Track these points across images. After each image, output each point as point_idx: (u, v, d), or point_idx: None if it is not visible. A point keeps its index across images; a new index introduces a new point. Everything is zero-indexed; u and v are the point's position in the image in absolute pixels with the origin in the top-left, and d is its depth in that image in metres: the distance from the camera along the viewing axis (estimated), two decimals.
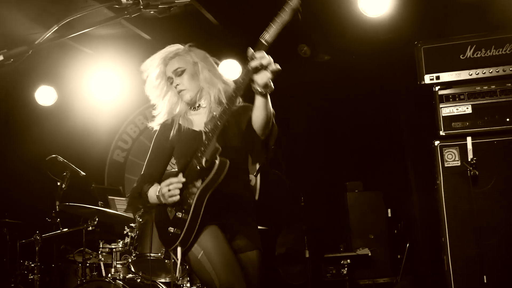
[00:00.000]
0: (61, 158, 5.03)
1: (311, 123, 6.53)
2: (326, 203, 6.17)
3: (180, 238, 2.76)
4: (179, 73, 3.03)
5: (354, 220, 5.83)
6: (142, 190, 3.01)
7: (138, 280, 4.47)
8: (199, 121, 2.98)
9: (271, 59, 2.56)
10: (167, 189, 2.78)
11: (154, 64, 3.15)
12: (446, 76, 4.40)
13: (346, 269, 5.29)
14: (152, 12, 2.31)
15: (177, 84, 3.02)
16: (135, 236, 4.42)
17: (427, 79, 4.42)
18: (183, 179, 2.78)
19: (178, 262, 2.83)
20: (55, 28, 1.96)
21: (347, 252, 5.57)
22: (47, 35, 1.97)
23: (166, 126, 3.07)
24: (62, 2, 5.62)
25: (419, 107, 5.10)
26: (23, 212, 5.88)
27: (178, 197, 2.77)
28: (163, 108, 3.12)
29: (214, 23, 6.10)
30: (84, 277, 4.70)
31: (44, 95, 7.06)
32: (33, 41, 2.02)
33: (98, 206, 4.94)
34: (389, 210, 5.83)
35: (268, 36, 2.57)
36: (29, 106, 7.04)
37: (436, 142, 4.32)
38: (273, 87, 2.59)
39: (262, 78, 2.54)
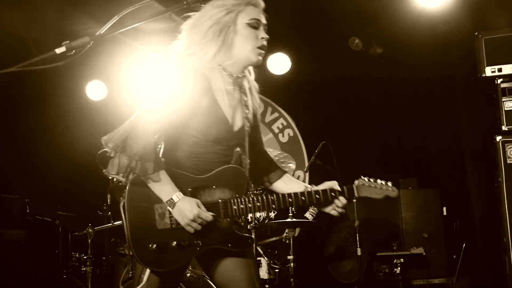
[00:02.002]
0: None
1: (364, 118, 6.39)
2: (379, 200, 6.00)
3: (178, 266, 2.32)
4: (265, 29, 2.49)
5: (408, 218, 5.66)
6: (145, 164, 2.28)
7: (188, 275, 4.46)
8: (231, 108, 2.41)
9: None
10: (194, 219, 2.22)
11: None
12: (508, 69, 4.21)
13: (399, 268, 5.14)
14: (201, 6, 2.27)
15: (263, 37, 2.45)
16: None
17: (489, 71, 4.23)
18: (210, 218, 2.26)
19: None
20: (116, 18, 1.94)
21: (400, 251, 5.42)
22: (108, 26, 1.94)
23: (203, 78, 2.37)
24: None
25: (479, 101, 4.90)
26: (75, 205, 5.99)
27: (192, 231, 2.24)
28: (211, 50, 2.41)
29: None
30: (133, 270, 4.73)
31: (95, 90, 7.17)
32: (92, 34, 2.00)
33: None
34: (444, 208, 5.63)
35: (361, 192, 2.45)
36: (80, 101, 7.16)
37: (498, 138, 4.14)
38: None
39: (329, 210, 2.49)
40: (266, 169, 2.59)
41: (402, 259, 5.17)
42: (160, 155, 2.38)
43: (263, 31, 2.47)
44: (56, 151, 6.62)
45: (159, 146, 2.43)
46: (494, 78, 4.23)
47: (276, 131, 7.06)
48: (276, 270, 4.88)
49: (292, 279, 4.66)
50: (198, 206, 2.22)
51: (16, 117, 6.47)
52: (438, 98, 5.92)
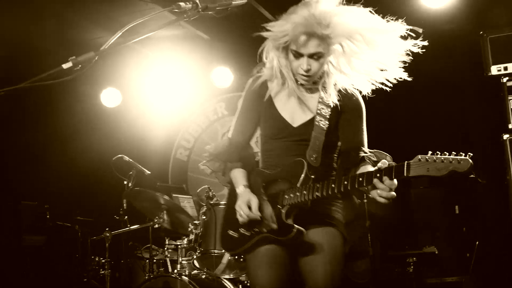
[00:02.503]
0: (126, 158, 5.18)
1: (372, 118, 6.41)
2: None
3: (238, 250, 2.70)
4: (316, 58, 2.56)
5: (420, 217, 5.69)
6: (226, 167, 2.78)
7: (203, 276, 4.55)
8: (298, 108, 2.67)
9: (392, 195, 2.31)
10: (240, 210, 2.61)
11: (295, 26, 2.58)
12: None
13: (412, 267, 5.17)
14: (210, 13, 2.34)
15: (309, 69, 2.57)
16: (199, 233, 4.50)
17: (494, 70, 4.26)
18: (257, 217, 2.57)
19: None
20: (119, 34, 2.03)
21: (413, 250, 5.45)
22: (112, 41, 2.04)
23: (262, 89, 2.72)
24: (124, 7, 5.82)
25: (485, 100, 4.92)
26: (93, 210, 6.14)
27: (245, 221, 2.61)
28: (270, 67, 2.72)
29: (272, 20, 6.11)
30: (151, 273, 4.84)
31: (110, 97, 7.34)
32: (99, 47, 2.10)
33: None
34: (456, 207, 5.65)
35: (413, 171, 2.24)
36: (95, 108, 7.33)
37: (505, 136, 4.17)
38: None
39: (374, 196, 2.36)
40: (344, 162, 2.71)
41: (414, 258, 5.20)
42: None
43: (306, 62, 2.55)
44: (73, 158, 6.79)
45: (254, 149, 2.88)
46: (499, 76, 4.26)
47: None
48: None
49: None
50: (248, 202, 2.58)
51: (33, 125, 6.65)
52: (445, 97, 5.93)
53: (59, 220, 5.84)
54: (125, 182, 5.19)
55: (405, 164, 2.26)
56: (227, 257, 4.34)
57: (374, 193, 2.35)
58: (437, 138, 6.03)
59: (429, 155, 2.22)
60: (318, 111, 2.62)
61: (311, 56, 2.54)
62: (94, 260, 5.40)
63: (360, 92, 2.73)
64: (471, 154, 2.14)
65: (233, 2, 2.29)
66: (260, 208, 2.59)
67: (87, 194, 6.70)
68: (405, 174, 2.25)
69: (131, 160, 5.21)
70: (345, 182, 2.40)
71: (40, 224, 5.79)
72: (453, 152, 2.17)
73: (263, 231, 2.57)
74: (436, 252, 5.40)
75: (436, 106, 6.04)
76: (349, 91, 2.68)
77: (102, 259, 5.23)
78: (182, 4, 2.12)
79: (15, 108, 5.90)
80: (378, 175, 2.30)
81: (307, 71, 2.56)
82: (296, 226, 2.51)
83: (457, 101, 5.73)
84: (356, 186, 2.37)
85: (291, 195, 2.52)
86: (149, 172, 5.28)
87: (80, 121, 7.17)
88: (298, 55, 2.56)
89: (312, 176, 2.52)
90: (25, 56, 6.33)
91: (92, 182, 6.76)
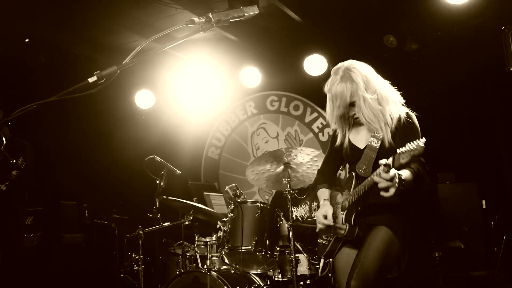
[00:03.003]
0: (158, 158, 5.37)
1: None
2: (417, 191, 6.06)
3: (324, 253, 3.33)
4: (355, 104, 3.16)
5: (447, 212, 5.70)
6: (316, 186, 3.48)
7: (232, 272, 4.70)
8: (362, 137, 3.27)
9: (389, 184, 2.76)
10: (317, 219, 3.26)
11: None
12: None
13: (438, 261, 5.20)
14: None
15: (354, 113, 3.19)
16: (227, 230, 4.66)
17: None
18: (329, 223, 3.16)
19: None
20: (139, 48, 2.19)
21: (439, 244, 5.47)
22: (132, 55, 2.20)
23: (339, 135, 3.36)
24: (156, 13, 6.04)
25: (508, 95, 4.90)
26: (129, 209, 6.36)
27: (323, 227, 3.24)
28: (332, 119, 3.32)
29: (297, 20, 6.22)
30: (183, 269, 5.02)
31: (143, 99, 7.56)
32: (132, 50, 2.25)
33: (193, 202, 5.22)
34: (483, 202, 5.64)
35: (396, 161, 2.71)
36: (129, 109, 7.57)
37: None
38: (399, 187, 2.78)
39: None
40: None
41: (440, 253, 5.23)
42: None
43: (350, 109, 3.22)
44: (109, 158, 7.05)
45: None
46: None
47: (316, 130, 7.24)
48: (317, 266, 5.04)
49: (330, 274, 4.82)
50: (325, 212, 3.21)
51: (72, 128, 6.92)
52: (473, 92, 5.91)
53: (97, 218, 5.99)
54: (157, 182, 5.37)
55: (392, 157, 2.75)
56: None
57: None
58: (467, 133, 6.03)
59: (401, 148, 2.70)
60: (372, 134, 3.18)
61: (352, 104, 3.18)
62: (130, 257, 5.62)
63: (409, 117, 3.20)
64: (424, 140, 2.63)
65: (245, 14, 2.42)
66: (335, 216, 3.23)
67: (123, 193, 6.94)
68: (393, 165, 2.73)
69: (162, 160, 5.39)
70: (367, 182, 2.96)
71: (79, 223, 6.00)
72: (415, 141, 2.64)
73: (335, 234, 3.21)
74: (463, 247, 5.41)
75: (467, 100, 6.03)
76: (401, 115, 3.18)
77: (136, 256, 5.42)
78: (196, 19, 2.26)
79: (53, 112, 6.17)
80: (382, 168, 2.77)
81: (353, 115, 3.21)
82: (348, 224, 3.12)
83: (485, 96, 5.72)
84: (370, 184, 2.93)
85: (347, 201, 3.18)
86: (180, 172, 5.45)
87: (116, 123, 7.43)
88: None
89: (359, 184, 3.08)
90: (64, 62, 6.63)
91: (127, 182, 6.99)
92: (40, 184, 5.72)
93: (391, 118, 3.16)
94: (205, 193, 6.22)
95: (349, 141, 3.32)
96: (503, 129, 5.44)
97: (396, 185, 2.74)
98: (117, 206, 6.26)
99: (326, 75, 7.11)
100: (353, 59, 6.61)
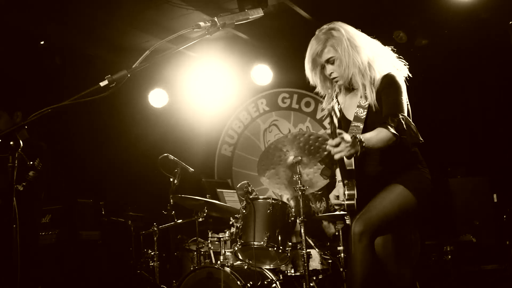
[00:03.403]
0: (171, 157, 5.46)
1: (412, 109, 6.45)
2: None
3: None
4: (331, 62, 3.08)
5: (458, 206, 5.71)
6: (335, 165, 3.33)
7: (245, 267, 4.78)
8: (351, 105, 3.15)
9: (342, 147, 2.67)
10: (332, 203, 3.27)
11: (308, 58, 3.19)
12: None
13: (449, 255, 5.23)
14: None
15: (331, 72, 3.10)
16: (240, 226, 4.74)
17: None
18: (342, 203, 3.12)
19: None
20: (147, 53, 2.27)
21: (450, 238, 5.49)
22: (141, 59, 2.29)
23: (334, 108, 3.26)
24: (167, 13, 6.13)
25: None
26: (144, 206, 6.46)
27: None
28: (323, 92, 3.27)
29: (307, 18, 6.28)
30: (198, 264, 5.12)
31: (157, 98, 7.67)
32: (145, 50, 2.34)
33: (207, 199, 5.30)
34: (494, 196, 5.64)
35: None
36: (143, 108, 7.68)
37: None
38: (361, 147, 2.72)
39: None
40: None
41: (452, 247, 5.25)
42: None
43: (327, 68, 3.12)
44: (123, 157, 7.16)
45: None
46: None
47: (328, 126, 7.29)
48: (329, 261, 5.11)
49: (342, 269, 4.88)
50: (337, 194, 3.22)
51: (86, 127, 7.04)
52: (483, 86, 5.92)
53: (113, 216, 6.13)
54: (171, 179, 5.46)
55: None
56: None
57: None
58: (478, 126, 6.04)
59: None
60: (358, 103, 3.05)
61: (327, 62, 3.08)
62: (146, 253, 5.73)
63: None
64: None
65: (250, 17, 2.50)
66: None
67: (138, 190, 7.05)
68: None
69: (175, 158, 5.48)
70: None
71: (95, 220, 6.11)
72: None
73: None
74: (474, 241, 5.43)
75: (474, 95, 6.03)
76: (382, 78, 3.04)
77: (152, 252, 5.53)
78: (202, 23, 2.35)
79: (69, 112, 6.29)
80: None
81: (330, 74, 3.10)
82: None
83: (490, 90, 5.72)
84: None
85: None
86: (193, 170, 5.54)
87: (130, 122, 7.54)
88: (323, 67, 3.12)
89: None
90: (79, 63, 6.76)
91: (142, 180, 7.10)
92: (57, 183, 5.85)
93: (377, 77, 3.03)
94: (218, 190, 6.31)
95: (341, 111, 3.19)
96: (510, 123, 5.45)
97: (355, 145, 2.67)
98: (132, 204, 6.36)
99: None
100: None
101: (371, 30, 6.33)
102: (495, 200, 5.66)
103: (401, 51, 6.20)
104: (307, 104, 7.42)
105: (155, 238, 5.42)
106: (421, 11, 6.07)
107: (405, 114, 2.99)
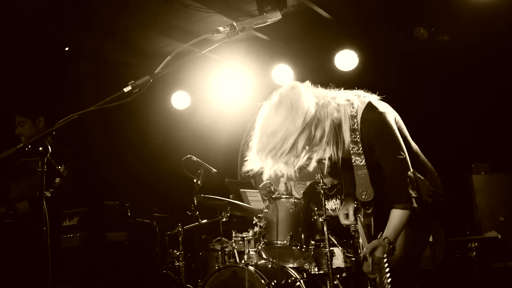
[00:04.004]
0: (194, 158, 5.54)
1: (434, 106, 6.44)
2: (450, 186, 6.06)
3: None
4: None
5: (482, 203, 5.68)
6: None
7: (269, 266, 4.83)
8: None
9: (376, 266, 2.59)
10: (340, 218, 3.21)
11: None
12: None
13: (474, 252, 5.21)
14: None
15: (310, 155, 2.86)
16: (263, 225, 4.79)
17: None
18: (350, 223, 3.11)
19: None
20: (169, 58, 2.34)
21: (474, 235, 5.47)
22: (163, 65, 2.36)
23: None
24: (187, 16, 6.21)
25: None
26: (169, 207, 6.55)
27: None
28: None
29: (327, 17, 6.29)
30: (222, 264, 5.18)
31: (179, 100, 7.76)
32: (167, 54, 2.40)
33: (230, 199, 5.37)
34: None
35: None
36: (166, 110, 7.78)
37: None
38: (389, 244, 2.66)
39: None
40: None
41: (476, 243, 5.23)
42: None
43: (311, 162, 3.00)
44: (148, 159, 7.27)
45: None
46: None
47: None
48: (353, 259, 5.12)
49: None
50: (346, 212, 3.16)
51: (111, 131, 7.16)
52: (506, 82, 5.87)
53: (138, 217, 6.23)
54: (195, 180, 5.54)
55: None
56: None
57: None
58: (502, 123, 5.99)
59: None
60: (352, 152, 2.81)
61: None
62: (171, 253, 5.82)
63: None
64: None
65: (269, 20, 2.55)
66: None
67: (163, 192, 7.14)
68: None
69: (198, 159, 5.56)
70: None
71: (122, 222, 6.21)
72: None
73: None
74: (499, 237, 5.39)
75: (498, 90, 5.99)
76: (366, 121, 2.78)
77: (177, 252, 5.61)
78: (221, 28, 2.40)
79: (93, 116, 6.41)
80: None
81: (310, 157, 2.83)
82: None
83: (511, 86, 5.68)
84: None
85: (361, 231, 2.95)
86: (216, 170, 5.61)
87: (153, 124, 7.64)
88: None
89: (369, 211, 2.87)
90: (103, 68, 6.90)
91: (166, 181, 7.19)
92: (84, 186, 5.97)
93: (356, 123, 2.78)
94: (241, 190, 6.37)
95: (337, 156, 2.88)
96: None
97: (385, 248, 2.60)
98: (157, 205, 6.45)
99: (357, 70, 7.16)
100: (383, 52, 6.65)
101: (391, 27, 6.38)
102: None
103: (421, 47, 6.25)
104: None
105: (180, 239, 5.51)
106: (441, 7, 6.04)
107: (408, 166, 2.76)
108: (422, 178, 2.79)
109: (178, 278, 5.49)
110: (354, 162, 2.81)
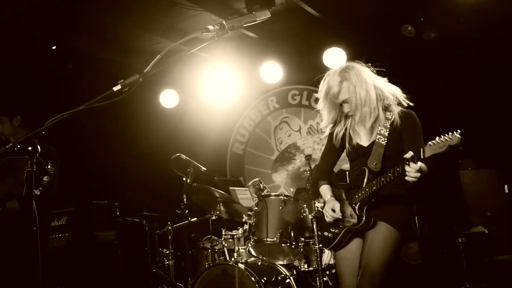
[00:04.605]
0: (184, 156, 5.53)
1: (420, 102, 6.47)
2: (438, 182, 6.12)
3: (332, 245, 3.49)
4: (347, 101, 3.40)
5: (469, 198, 5.74)
6: (317, 183, 3.70)
7: (259, 263, 4.85)
8: (364, 135, 3.46)
9: (418, 174, 2.97)
10: (326, 213, 3.49)
11: (324, 97, 3.51)
12: None
13: (461, 247, 5.27)
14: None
15: (348, 111, 3.43)
16: (253, 223, 4.81)
17: None
18: (339, 216, 3.39)
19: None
20: (159, 57, 2.34)
21: (462, 230, 5.52)
22: (153, 63, 2.36)
23: (337, 133, 3.56)
24: (177, 15, 6.20)
25: None
26: (158, 206, 6.53)
27: (331, 221, 3.47)
28: (330, 120, 3.57)
29: (315, 15, 6.31)
30: (212, 262, 5.19)
31: (168, 98, 7.75)
32: (156, 52, 2.41)
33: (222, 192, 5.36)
34: (506, 187, 5.66)
35: (427, 153, 2.87)
36: (155, 109, 7.77)
37: None
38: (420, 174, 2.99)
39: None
40: None
41: (464, 238, 5.29)
42: None
43: (344, 107, 3.49)
44: (137, 158, 7.26)
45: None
46: None
47: None
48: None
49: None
50: (333, 207, 3.42)
51: (99, 129, 7.13)
52: (493, 78, 5.92)
53: (128, 216, 6.18)
54: (184, 179, 5.53)
55: (421, 149, 2.91)
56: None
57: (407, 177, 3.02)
58: (488, 119, 6.05)
59: (435, 139, 2.86)
60: (378, 132, 3.38)
61: (344, 102, 3.43)
62: (161, 252, 5.81)
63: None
64: (460, 131, 2.84)
65: (258, 19, 2.56)
66: (342, 209, 3.42)
67: (151, 190, 7.13)
68: (422, 157, 2.90)
69: (187, 158, 5.55)
70: (389, 174, 3.13)
71: (111, 221, 6.19)
72: (448, 133, 2.84)
73: (346, 226, 3.39)
74: (486, 232, 5.45)
75: (483, 87, 6.04)
76: (403, 114, 3.39)
77: (167, 251, 5.60)
78: (211, 27, 2.41)
79: (81, 114, 6.38)
80: (406, 162, 3.00)
81: (348, 112, 3.45)
82: (364, 215, 3.28)
83: (499, 82, 5.72)
84: (396, 175, 3.08)
85: (360, 194, 3.32)
86: (205, 169, 5.61)
87: (142, 123, 7.63)
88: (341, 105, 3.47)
89: (372, 178, 3.27)
90: (91, 67, 6.86)
91: (155, 180, 7.18)
92: (72, 185, 5.93)
93: (390, 115, 3.38)
94: (231, 188, 6.37)
95: (350, 139, 3.50)
96: None
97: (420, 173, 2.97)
98: (147, 204, 6.43)
99: None
100: (371, 50, 6.69)
101: (379, 24, 6.42)
102: (506, 191, 5.68)
103: (410, 44, 6.29)
104: (317, 100, 7.44)
105: (169, 237, 5.51)
106: (429, 3, 6.09)
107: None
108: None
109: (168, 276, 5.48)
110: (377, 140, 3.34)
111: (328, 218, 3.49)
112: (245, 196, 6.56)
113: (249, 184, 4.95)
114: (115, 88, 2.32)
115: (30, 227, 2.41)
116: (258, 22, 2.55)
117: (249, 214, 4.90)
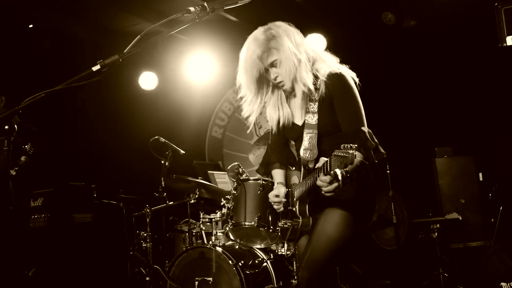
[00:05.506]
0: (162, 139, 5.50)
1: (399, 91, 6.54)
2: (413, 169, 6.22)
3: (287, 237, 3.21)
4: (275, 65, 2.87)
5: (444, 186, 5.83)
6: (270, 166, 3.38)
7: (237, 247, 4.87)
8: (298, 110, 2.98)
9: (333, 186, 2.53)
10: (272, 201, 3.20)
11: (246, 62, 3.04)
12: None
13: (436, 233, 5.36)
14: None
15: (276, 76, 2.89)
16: (231, 207, 4.81)
17: (509, 40, 4.35)
18: (283, 200, 3.08)
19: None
20: (138, 38, 2.31)
21: (436, 217, 5.62)
22: (132, 44, 2.33)
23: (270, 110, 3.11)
24: None
25: (504, 70, 5.00)
26: (136, 188, 6.51)
27: (281, 209, 3.14)
28: (256, 93, 3.07)
29: (297, 0, 6.29)
30: (190, 245, 5.20)
31: (147, 80, 7.67)
32: (134, 33, 2.38)
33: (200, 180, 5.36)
34: (480, 174, 5.77)
35: (332, 167, 2.46)
36: (133, 91, 7.69)
37: None
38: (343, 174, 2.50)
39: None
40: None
41: (438, 225, 5.38)
42: None
43: (271, 72, 2.93)
44: (115, 139, 7.19)
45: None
46: None
47: None
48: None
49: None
50: (278, 192, 3.10)
51: (77, 110, 7.06)
52: (468, 68, 6.00)
53: (105, 198, 6.15)
54: (162, 162, 5.51)
55: (326, 162, 2.51)
56: None
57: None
58: (464, 107, 6.14)
59: (336, 151, 2.40)
60: (307, 109, 2.86)
61: (271, 65, 2.88)
62: (138, 235, 5.79)
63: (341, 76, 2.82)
64: (356, 146, 2.35)
65: (239, 2, 2.54)
66: (291, 196, 3.05)
67: (129, 173, 7.08)
68: (328, 170, 2.49)
69: (166, 141, 5.52)
70: (316, 175, 2.65)
71: (88, 203, 6.14)
72: (349, 145, 2.36)
73: (292, 224, 3.03)
74: (460, 218, 5.55)
75: (460, 76, 6.12)
76: (330, 77, 2.80)
77: (144, 233, 5.59)
78: (192, 8, 2.39)
79: (60, 95, 6.29)
80: (316, 174, 2.63)
81: (275, 78, 2.89)
82: (301, 218, 2.94)
83: (475, 71, 5.80)
84: (315, 183, 2.65)
85: (298, 190, 2.94)
86: (184, 152, 5.58)
87: (121, 104, 7.55)
88: (266, 70, 2.90)
89: (307, 172, 2.87)
90: (69, 47, 6.75)
91: (133, 162, 7.13)
92: (49, 167, 5.87)
93: (318, 83, 2.80)
94: (209, 172, 6.37)
95: (288, 114, 3.00)
96: (497, 103, 5.54)
97: (340, 182, 2.51)
98: (124, 186, 6.40)
99: None
100: (352, 37, 6.70)
101: (360, 11, 6.43)
102: (481, 179, 5.79)
103: (388, 31, 6.33)
104: None
105: (147, 220, 5.49)
106: None
107: (366, 125, 2.75)
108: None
109: (146, 259, 5.47)
110: (306, 120, 2.85)
111: (275, 206, 3.18)
112: (223, 180, 6.57)
113: (228, 168, 4.95)
114: (94, 68, 2.29)
115: (6, 207, 2.39)
116: (240, 5, 2.54)
117: (227, 198, 4.90)
